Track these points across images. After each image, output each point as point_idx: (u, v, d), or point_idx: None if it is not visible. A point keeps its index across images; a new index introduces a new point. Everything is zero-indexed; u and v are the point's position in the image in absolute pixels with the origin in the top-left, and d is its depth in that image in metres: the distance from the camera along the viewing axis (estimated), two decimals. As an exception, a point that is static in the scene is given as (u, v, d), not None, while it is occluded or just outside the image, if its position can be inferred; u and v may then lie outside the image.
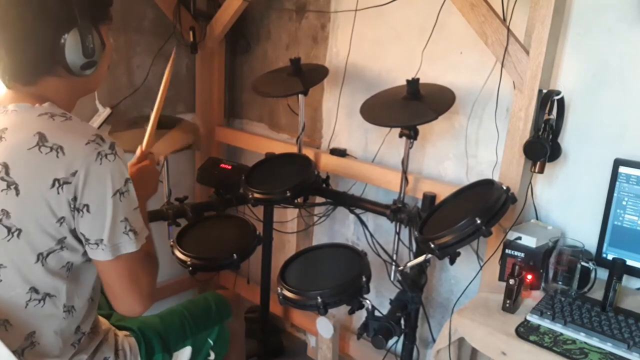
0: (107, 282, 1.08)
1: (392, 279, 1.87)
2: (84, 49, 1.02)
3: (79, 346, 1.13)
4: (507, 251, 1.49)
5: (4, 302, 1.02)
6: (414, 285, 1.54)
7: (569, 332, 1.23)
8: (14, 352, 0.99)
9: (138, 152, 1.31)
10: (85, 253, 1.05)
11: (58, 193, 0.97)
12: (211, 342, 1.44)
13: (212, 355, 1.44)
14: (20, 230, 0.99)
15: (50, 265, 1.02)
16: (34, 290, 1.03)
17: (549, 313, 1.28)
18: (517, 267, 1.39)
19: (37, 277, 1.02)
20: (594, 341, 1.20)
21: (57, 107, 1.04)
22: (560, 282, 1.38)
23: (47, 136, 0.98)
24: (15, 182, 0.98)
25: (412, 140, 1.67)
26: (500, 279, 1.50)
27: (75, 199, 0.98)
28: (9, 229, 0.99)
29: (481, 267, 1.63)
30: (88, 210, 0.99)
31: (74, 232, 1.02)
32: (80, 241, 1.03)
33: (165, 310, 1.43)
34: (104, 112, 2.13)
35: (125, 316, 1.34)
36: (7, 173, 0.98)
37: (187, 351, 1.38)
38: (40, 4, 0.99)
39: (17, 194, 0.98)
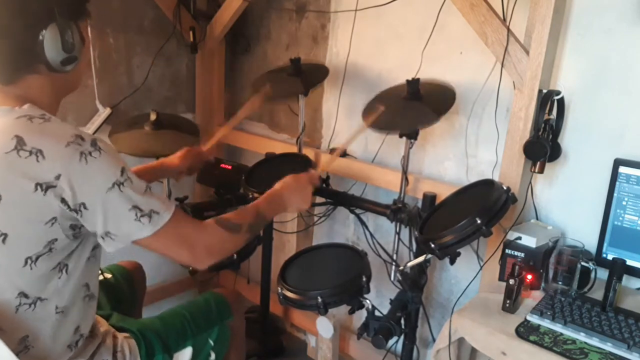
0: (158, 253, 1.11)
1: (392, 279, 1.87)
2: (63, 44, 1.01)
3: (76, 349, 1.12)
4: (507, 251, 1.49)
5: None
6: (414, 285, 1.54)
7: (569, 332, 1.23)
8: None
9: None
10: (74, 250, 1.04)
11: (44, 195, 0.95)
12: (212, 342, 1.44)
13: (213, 356, 1.44)
14: (5, 235, 0.98)
15: (40, 269, 1.01)
16: (23, 294, 1.02)
17: (549, 313, 1.28)
18: (517, 267, 1.38)
19: (26, 281, 1.01)
20: (594, 341, 1.20)
21: (37, 108, 1.02)
22: (560, 282, 1.38)
23: (25, 139, 0.96)
24: None
25: (412, 141, 1.67)
26: (500, 279, 1.50)
27: (65, 200, 0.97)
28: None
29: (481, 267, 1.63)
30: (85, 208, 0.99)
31: (69, 229, 1.01)
32: (75, 237, 1.03)
33: (166, 311, 1.43)
34: (104, 112, 2.13)
35: (125, 317, 1.35)
36: None
37: (187, 352, 1.37)
38: (17, 1, 0.98)
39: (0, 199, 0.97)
